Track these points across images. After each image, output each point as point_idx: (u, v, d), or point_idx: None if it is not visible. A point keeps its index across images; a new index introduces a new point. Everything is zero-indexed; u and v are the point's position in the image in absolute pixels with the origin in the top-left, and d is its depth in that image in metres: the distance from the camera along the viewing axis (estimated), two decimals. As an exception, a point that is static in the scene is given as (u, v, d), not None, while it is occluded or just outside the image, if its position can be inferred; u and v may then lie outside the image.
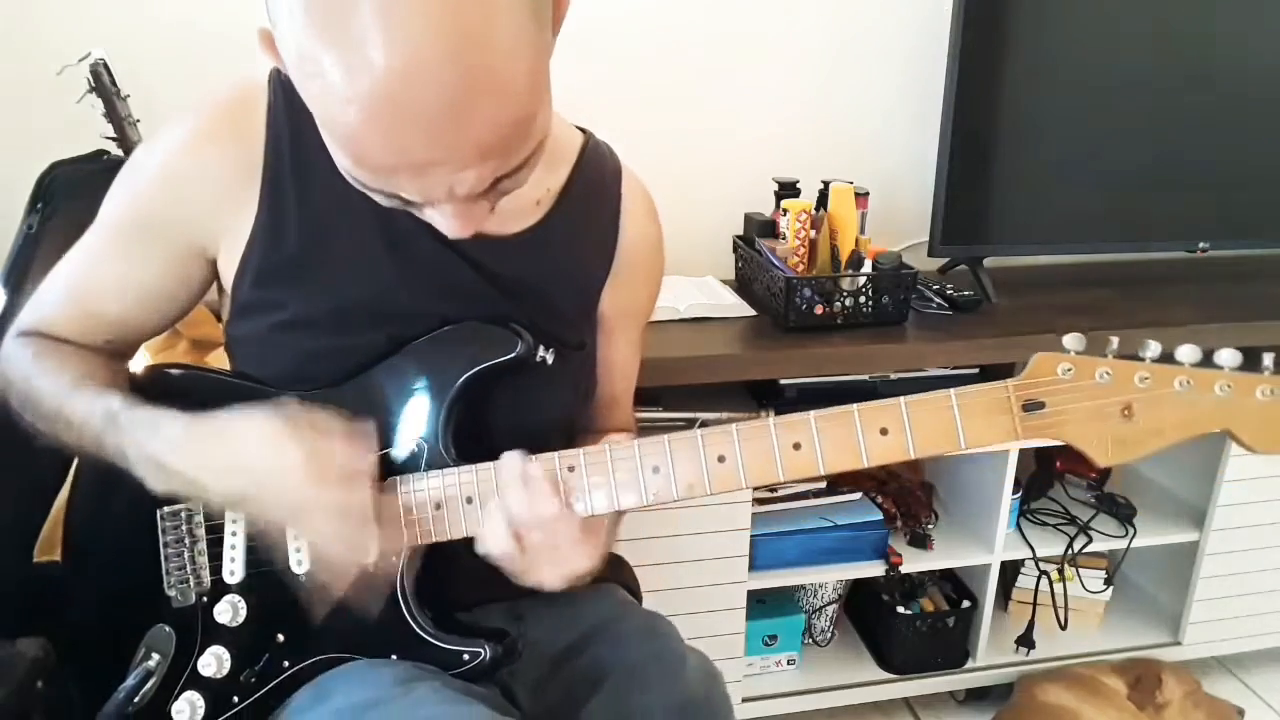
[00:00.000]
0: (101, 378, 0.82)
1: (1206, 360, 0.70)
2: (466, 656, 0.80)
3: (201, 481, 0.74)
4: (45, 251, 1.18)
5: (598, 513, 0.78)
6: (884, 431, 0.74)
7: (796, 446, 0.75)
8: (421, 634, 0.80)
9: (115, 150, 1.29)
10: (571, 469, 0.78)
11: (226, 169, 0.79)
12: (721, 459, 0.76)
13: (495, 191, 0.67)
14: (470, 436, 0.82)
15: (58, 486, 1.19)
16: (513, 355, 0.81)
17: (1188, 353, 0.71)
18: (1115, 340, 0.72)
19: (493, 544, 0.77)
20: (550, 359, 0.84)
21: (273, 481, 0.72)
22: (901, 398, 0.74)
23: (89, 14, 1.46)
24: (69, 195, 1.23)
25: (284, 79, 0.79)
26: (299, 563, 0.82)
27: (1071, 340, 0.72)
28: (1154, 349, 0.71)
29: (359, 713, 0.74)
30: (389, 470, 0.81)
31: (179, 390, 0.84)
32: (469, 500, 0.79)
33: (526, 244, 0.86)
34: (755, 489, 1.49)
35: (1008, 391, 0.73)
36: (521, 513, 0.76)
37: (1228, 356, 0.70)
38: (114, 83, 1.28)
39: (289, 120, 0.79)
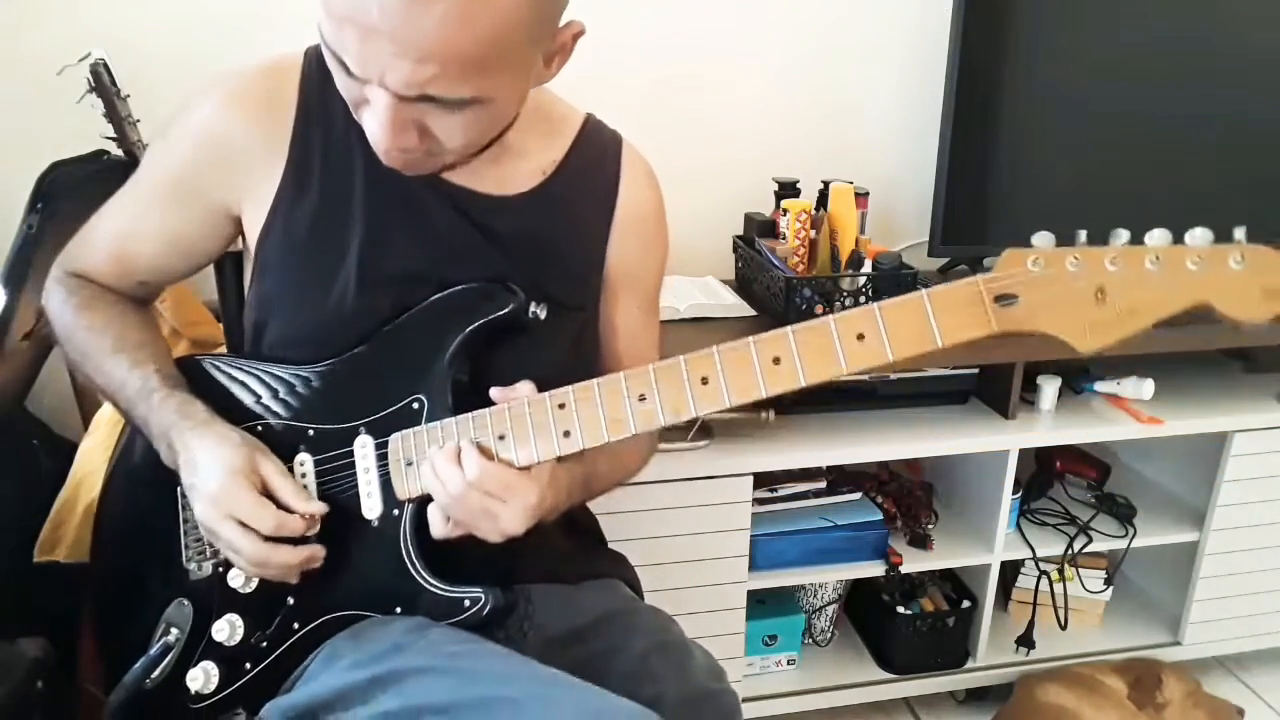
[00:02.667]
0: (135, 339, 0.91)
1: (1177, 242, 0.70)
2: (468, 603, 0.82)
3: (181, 467, 0.83)
4: (45, 251, 1.19)
5: (589, 446, 0.79)
6: (860, 337, 0.74)
7: (776, 361, 0.75)
8: (424, 583, 0.82)
9: (115, 150, 1.29)
10: (562, 406, 0.79)
11: (257, 133, 0.84)
12: (705, 380, 0.76)
13: (426, 118, 0.71)
14: (472, 396, 0.84)
15: (58, 487, 1.19)
16: (505, 311, 0.84)
17: (1158, 235, 0.70)
18: (1083, 234, 0.72)
19: (443, 528, 0.80)
20: (543, 314, 0.87)
21: (195, 491, 0.81)
22: (874, 304, 0.74)
23: (89, 14, 1.46)
24: (69, 195, 1.23)
25: (319, 54, 0.84)
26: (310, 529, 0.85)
27: (1040, 238, 0.72)
28: (1123, 236, 0.71)
29: (380, 658, 0.76)
30: (394, 427, 0.84)
31: (208, 379, 0.91)
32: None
33: (529, 202, 0.89)
34: (757, 487, 1.49)
35: (979, 286, 0.72)
36: (443, 494, 0.79)
37: (1200, 235, 0.69)
38: (114, 83, 1.28)
39: (320, 92, 0.84)
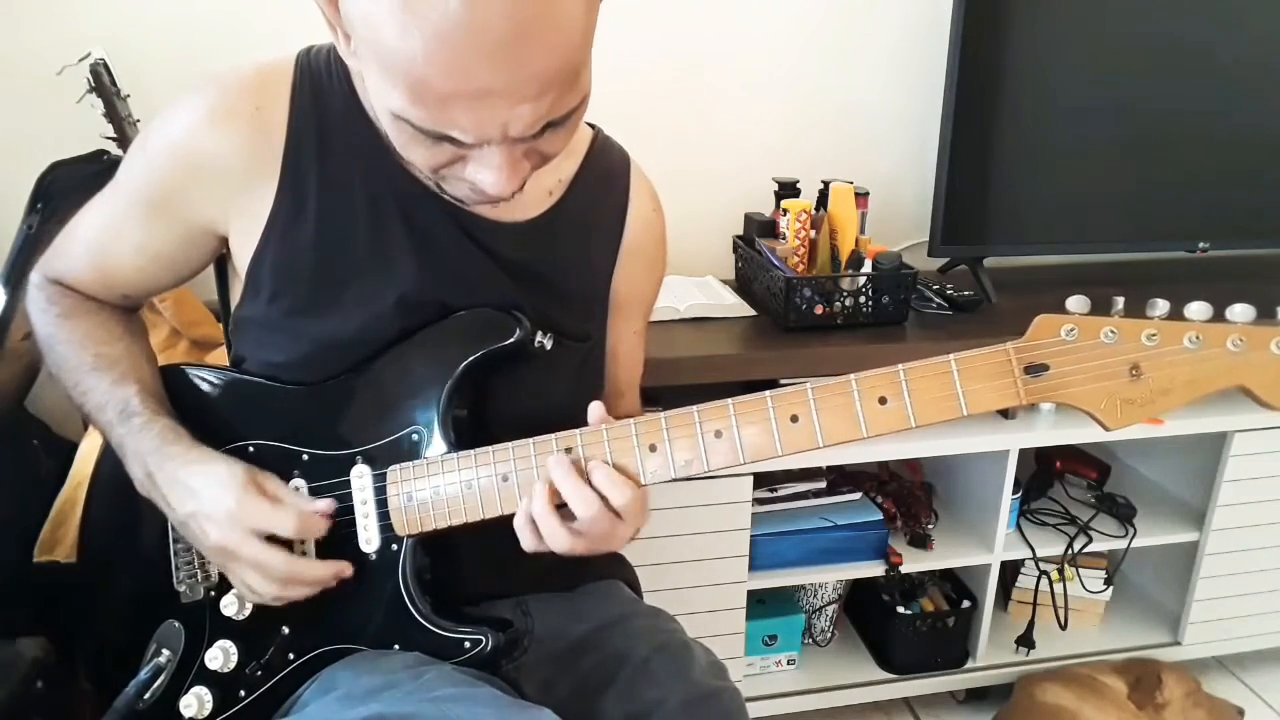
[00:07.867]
0: (117, 354, 0.86)
1: (1218, 317, 0.66)
2: (468, 644, 0.80)
3: (169, 497, 0.79)
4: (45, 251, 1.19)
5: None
6: (883, 400, 0.71)
7: (794, 419, 0.73)
8: (423, 622, 0.80)
9: (115, 150, 1.29)
10: (568, 450, 0.77)
11: (246, 149, 0.79)
12: (718, 434, 0.75)
13: (539, 143, 0.67)
14: (472, 424, 0.82)
15: (58, 487, 1.19)
16: (511, 341, 0.81)
17: (1198, 309, 0.66)
18: (1120, 300, 0.68)
19: (563, 544, 0.77)
20: (549, 344, 0.85)
21: (204, 518, 0.77)
22: (900, 365, 0.71)
23: (89, 14, 1.46)
24: (69, 195, 1.23)
25: (311, 60, 0.81)
26: (303, 554, 0.83)
27: (1075, 302, 0.69)
28: (1162, 307, 0.67)
29: (371, 695, 0.74)
30: (392, 458, 0.81)
31: (199, 391, 0.88)
32: (468, 486, 0.79)
33: (539, 229, 0.87)
34: (757, 487, 1.49)
35: (1009, 355, 0.69)
36: (556, 529, 0.76)
37: (1240, 311, 0.66)
38: (114, 83, 1.28)
39: (314, 103, 0.79)
